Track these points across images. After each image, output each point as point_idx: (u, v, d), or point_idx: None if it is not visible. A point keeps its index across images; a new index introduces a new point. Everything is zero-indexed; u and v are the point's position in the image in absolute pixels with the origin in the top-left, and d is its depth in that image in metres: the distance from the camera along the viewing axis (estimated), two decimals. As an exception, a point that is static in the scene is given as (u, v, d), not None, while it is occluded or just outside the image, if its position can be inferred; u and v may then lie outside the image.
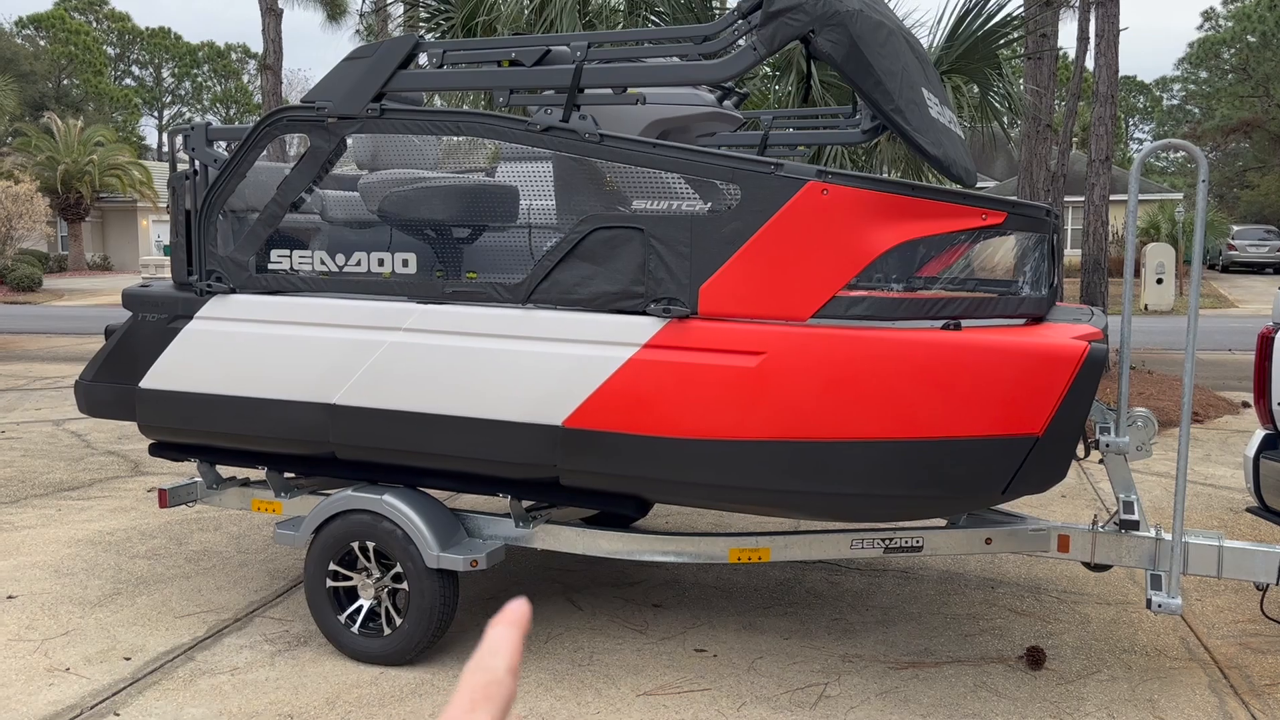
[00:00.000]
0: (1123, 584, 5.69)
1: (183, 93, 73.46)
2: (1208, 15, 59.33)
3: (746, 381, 3.83)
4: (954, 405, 3.67)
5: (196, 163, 4.72)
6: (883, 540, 4.45)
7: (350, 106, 4.37)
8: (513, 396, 4.17)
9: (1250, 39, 50.08)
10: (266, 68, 13.53)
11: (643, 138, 4.00)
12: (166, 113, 72.56)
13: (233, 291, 4.64)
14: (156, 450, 5.19)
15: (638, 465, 4.05)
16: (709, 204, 3.89)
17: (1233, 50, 54.93)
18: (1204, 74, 61.07)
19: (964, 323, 3.80)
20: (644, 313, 3.99)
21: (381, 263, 4.41)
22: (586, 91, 4.06)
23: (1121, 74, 30.01)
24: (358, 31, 20.87)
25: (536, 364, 4.13)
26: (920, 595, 5.51)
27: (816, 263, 3.76)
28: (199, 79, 73.47)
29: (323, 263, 4.51)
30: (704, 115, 4.57)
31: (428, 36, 12.39)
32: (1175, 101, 67.94)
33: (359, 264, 4.45)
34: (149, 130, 71.12)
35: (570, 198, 4.10)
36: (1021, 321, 4.06)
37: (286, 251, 4.57)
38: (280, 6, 13.79)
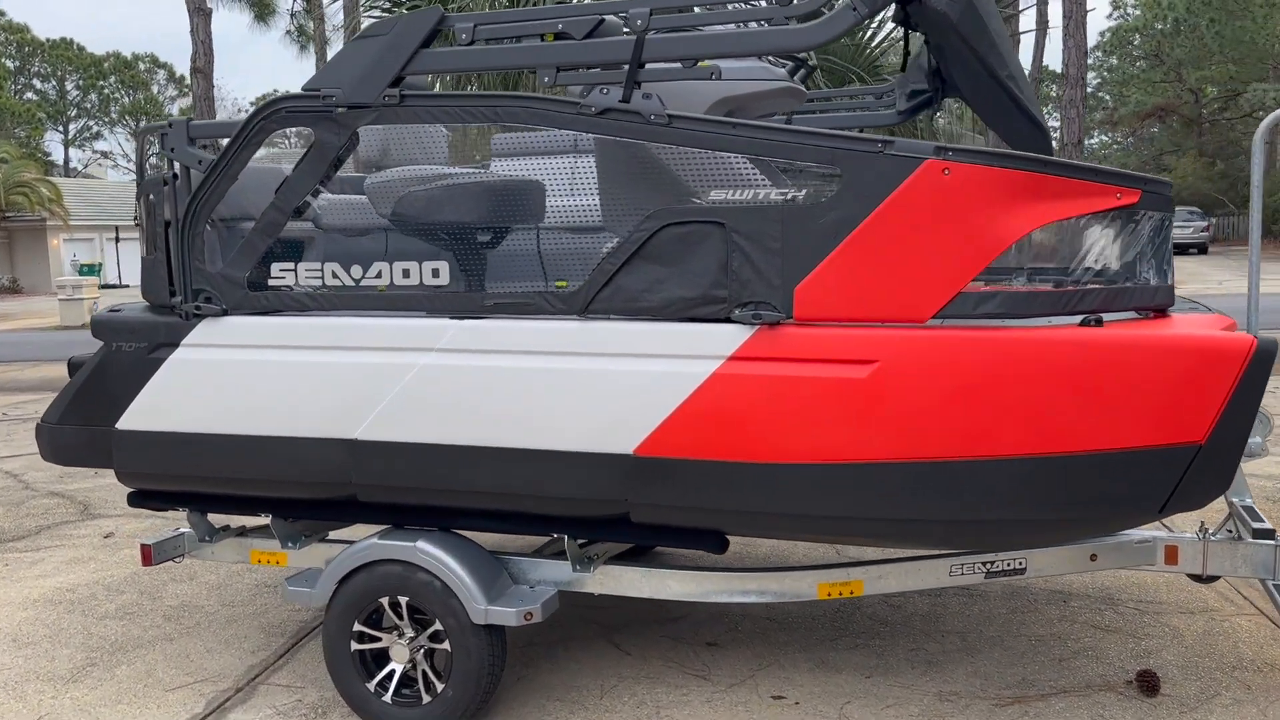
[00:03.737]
0: (1196, 589, 5.28)
1: (89, 105, 70.91)
2: (1116, 4, 60.42)
3: (856, 394, 3.30)
4: (1105, 413, 3.18)
5: (176, 165, 4.06)
6: (983, 565, 3.96)
7: (364, 93, 3.75)
8: (572, 423, 3.60)
9: (1160, 26, 51.03)
10: (197, 71, 12.68)
11: (718, 117, 3.45)
12: (72, 126, 70.07)
13: (225, 313, 3.99)
14: (137, 500, 4.51)
15: (724, 496, 3.50)
16: (803, 191, 3.35)
17: (1144, 37, 56.03)
18: (1115, 61, 62.27)
19: (1104, 317, 3.32)
20: (727, 320, 3.45)
21: (406, 274, 3.79)
22: (648, 67, 3.50)
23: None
24: (288, 33, 20.03)
25: (600, 384, 3.56)
26: (993, 615, 5.04)
27: (937, 254, 3.25)
28: (106, 91, 70.94)
29: (335, 276, 3.88)
30: (776, 92, 4.03)
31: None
32: (1090, 89, 69.15)
33: (379, 276, 3.83)
34: (54, 145, 68.56)
35: (630, 190, 3.54)
36: (1149, 315, 3.60)
37: (290, 265, 3.93)
38: (209, 5, 12.94)
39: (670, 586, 3.92)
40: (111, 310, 4.33)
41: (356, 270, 3.85)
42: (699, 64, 3.47)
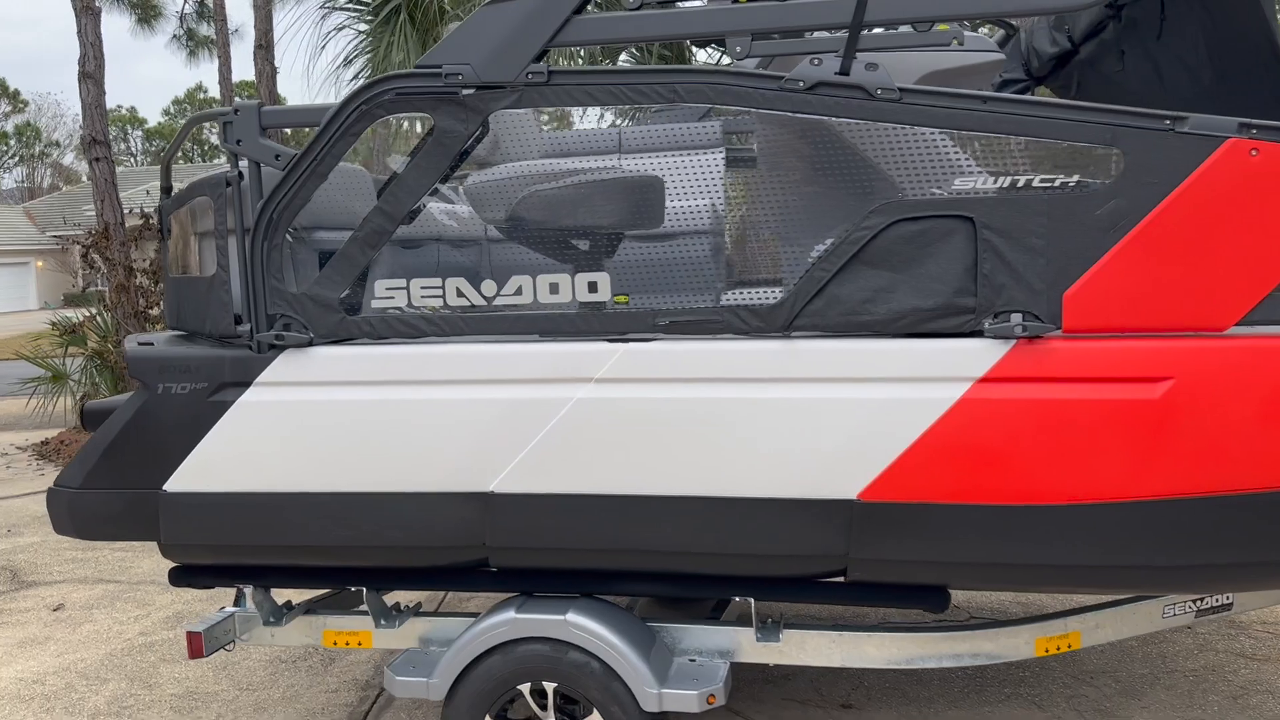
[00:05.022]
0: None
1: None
2: None
3: (1146, 418, 2.78)
4: None
5: (243, 163, 3.27)
6: (1193, 604, 3.51)
7: (500, 70, 3.05)
8: (775, 465, 2.98)
9: None
10: (86, 76, 11.45)
11: (964, 91, 2.88)
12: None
13: (311, 343, 3.22)
14: (181, 577, 3.67)
15: (971, 546, 2.93)
16: (1072, 178, 2.82)
17: None
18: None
19: None
20: (976, 333, 2.88)
21: (554, 289, 3.11)
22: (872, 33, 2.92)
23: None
24: (175, 37, 18.50)
25: (810, 417, 2.95)
26: (1128, 651, 4.60)
27: (1240, 250, 2.75)
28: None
29: (460, 294, 3.16)
30: (987, 66, 3.48)
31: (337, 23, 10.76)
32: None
33: (518, 292, 3.13)
34: None
35: (846, 181, 2.94)
36: None
37: (400, 282, 3.19)
38: (98, 4, 11.72)
39: (867, 652, 3.32)
40: (142, 343, 3.49)
41: (489, 286, 3.14)
42: (935, 28, 2.91)
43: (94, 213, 11.65)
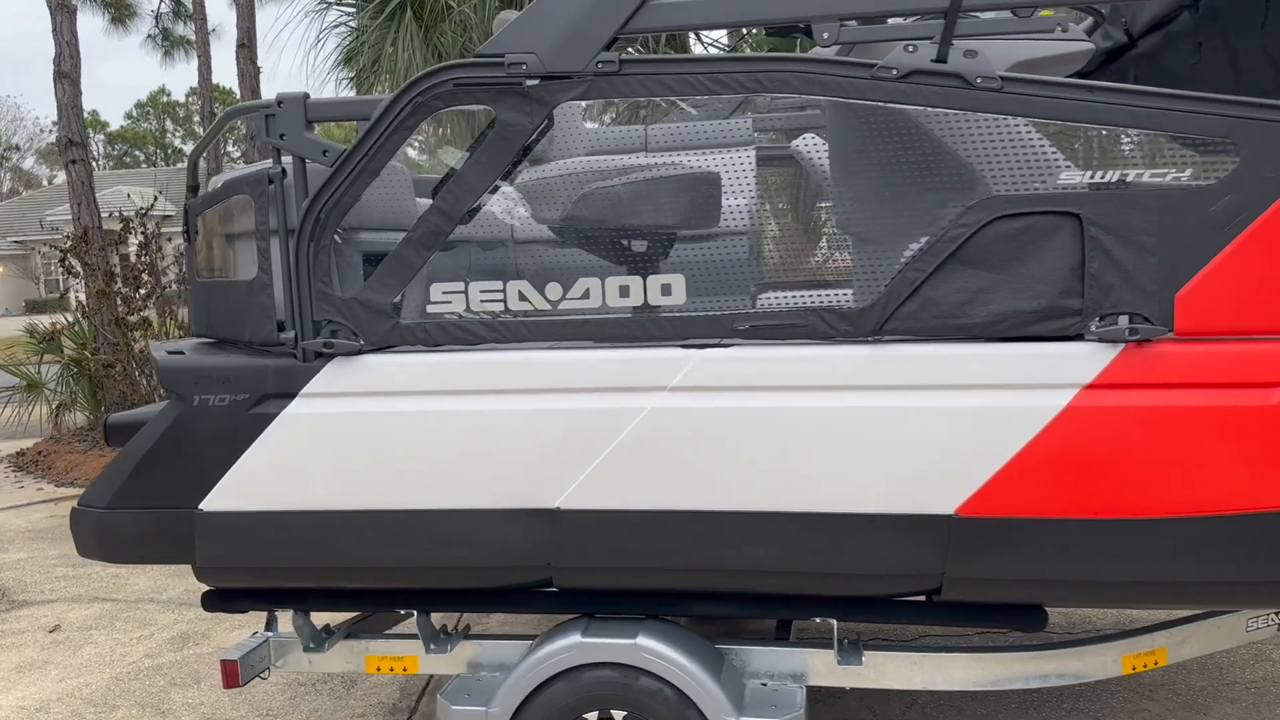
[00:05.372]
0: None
1: None
2: None
3: (1261, 426, 2.63)
4: None
5: (286, 158, 3.06)
6: (1274, 616, 3.38)
7: (568, 59, 2.86)
8: (864, 479, 2.81)
9: None
10: (62, 76, 11.11)
11: (1070, 80, 2.72)
12: None
13: (361, 351, 3.01)
14: (215, 602, 3.44)
15: (1077, 563, 2.77)
16: (1184, 172, 2.66)
17: None
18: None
19: None
20: (1079, 337, 2.72)
21: (624, 291, 2.91)
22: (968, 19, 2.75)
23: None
24: (150, 37, 18.01)
25: (903, 427, 2.78)
26: (1185, 663, 4.45)
27: (1368, 249, 2.61)
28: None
29: (523, 298, 2.96)
30: (1078, 55, 3.32)
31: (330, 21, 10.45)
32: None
33: (585, 295, 2.93)
34: None
35: (940, 174, 2.77)
36: None
37: (458, 285, 2.99)
38: (74, 2, 11.38)
39: (950, 674, 3.15)
40: (172, 352, 3.27)
41: (554, 289, 2.94)
42: (1036, 13, 2.74)
43: (62, 217, 11.31)
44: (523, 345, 2.97)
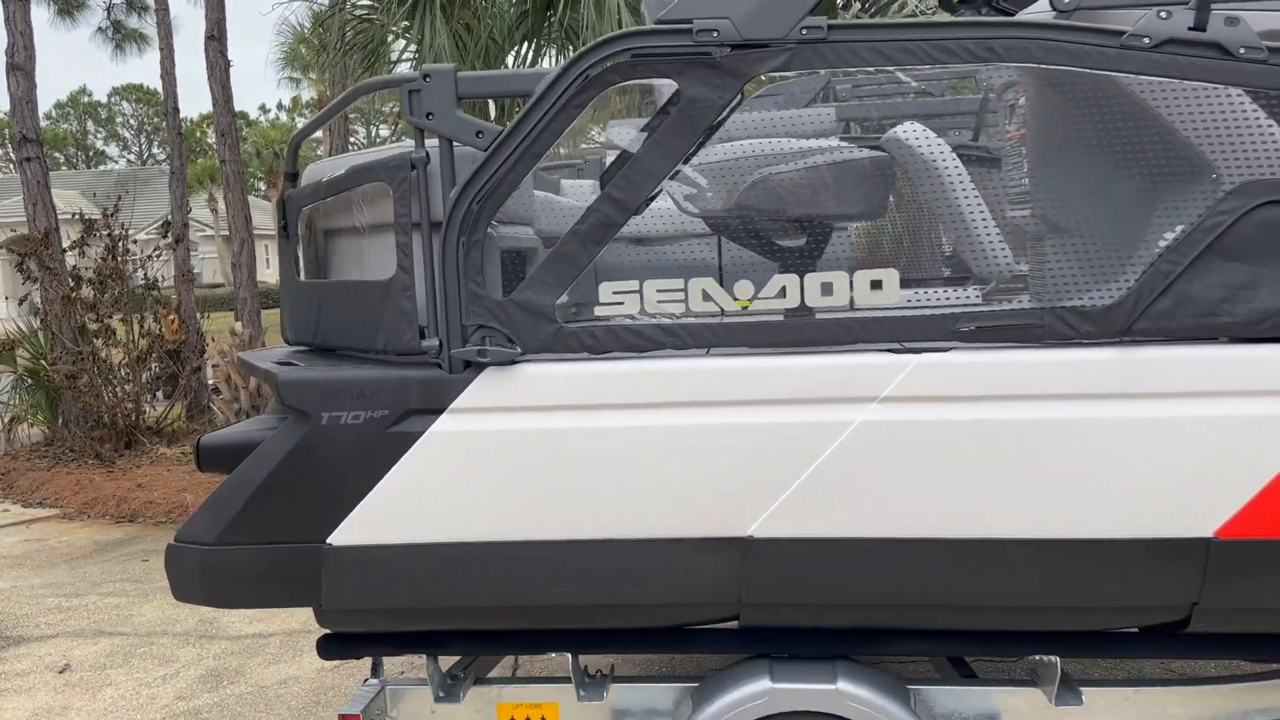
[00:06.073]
0: None
1: None
2: None
3: None
4: None
5: (428, 140, 2.66)
6: None
7: (767, 25, 2.50)
8: (1110, 500, 2.50)
9: None
10: (15, 68, 10.40)
11: None
12: None
13: (518, 360, 2.63)
14: (334, 648, 3.02)
15: None
16: None
17: None
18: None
19: None
20: (1348, 338, 2.44)
21: (828, 289, 2.57)
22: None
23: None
24: (100, 29, 17.09)
25: (1155, 441, 2.47)
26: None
27: None
28: None
29: (708, 297, 2.59)
30: None
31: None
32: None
33: (781, 293, 2.58)
34: None
35: (1193, 156, 2.47)
36: None
37: (631, 284, 2.61)
38: (28, -10, 10.69)
39: (1166, 710, 2.85)
40: (283, 363, 2.84)
41: (743, 287, 2.58)
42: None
43: (18, 218, 10.61)
44: (706, 352, 2.61)
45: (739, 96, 2.56)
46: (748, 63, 2.53)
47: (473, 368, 2.63)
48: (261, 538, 2.72)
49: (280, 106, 59.48)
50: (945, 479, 2.53)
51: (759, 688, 2.70)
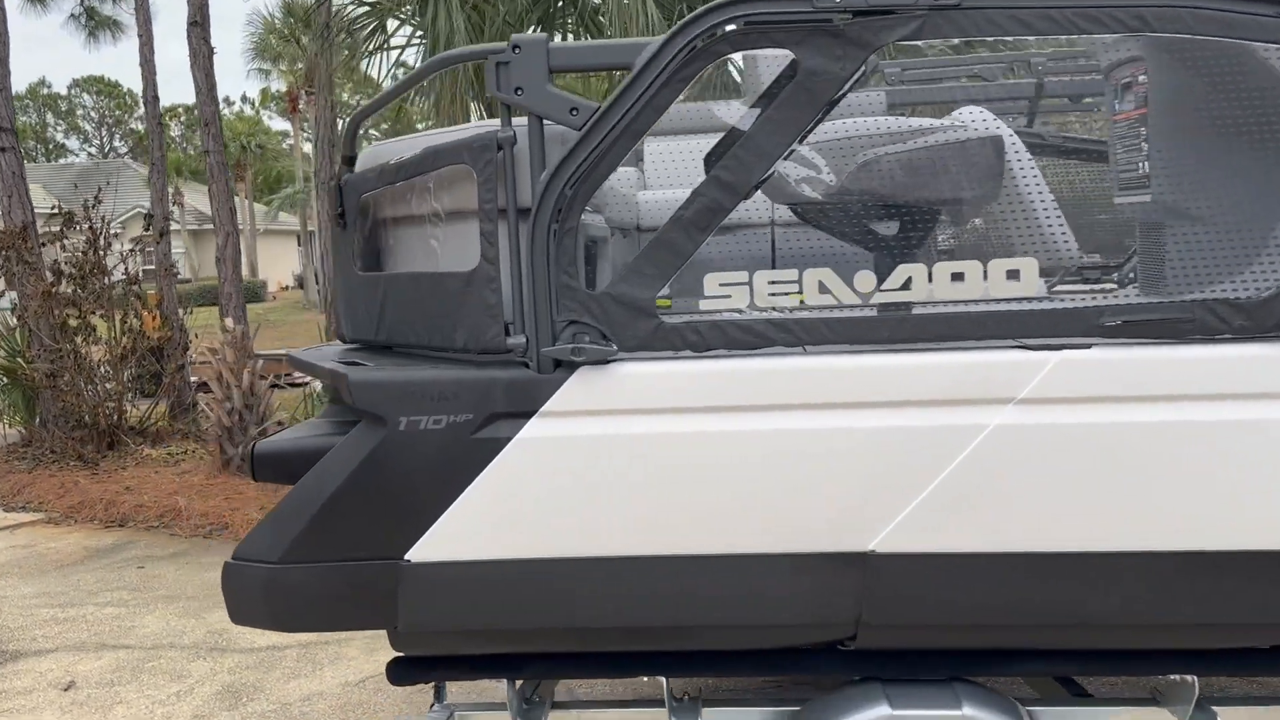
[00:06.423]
0: None
1: None
2: None
3: None
4: None
5: (515, 118, 2.42)
6: None
7: (896, -11, 2.29)
8: (1272, 507, 2.30)
9: None
10: (-10, 57, 10.07)
11: None
12: None
13: (614, 359, 2.39)
14: (408, 672, 2.77)
15: None
16: None
17: None
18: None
19: None
20: None
21: (959, 278, 2.35)
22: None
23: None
24: (74, 16, 16.57)
25: (1312, 443, 2.28)
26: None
27: None
28: None
29: (825, 289, 2.37)
30: None
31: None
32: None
33: (906, 285, 2.36)
34: None
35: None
36: None
37: (740, 275, 2.38)
38: (2, -24, 10.29)
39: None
40: (350, 364, 2.59)
41: (864, 279, 2.36)
42: None
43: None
44: (821, 350, 2.38)
45: (862, 69, 2.34)
46: (873, 30, 2.30)
47: (564, 367, 2.40)
48: (332, 555, 2.47)
49: (244, 99, 58.62)
50: (1093, 487, 2.32)
51: (877, 714, 2.49)
